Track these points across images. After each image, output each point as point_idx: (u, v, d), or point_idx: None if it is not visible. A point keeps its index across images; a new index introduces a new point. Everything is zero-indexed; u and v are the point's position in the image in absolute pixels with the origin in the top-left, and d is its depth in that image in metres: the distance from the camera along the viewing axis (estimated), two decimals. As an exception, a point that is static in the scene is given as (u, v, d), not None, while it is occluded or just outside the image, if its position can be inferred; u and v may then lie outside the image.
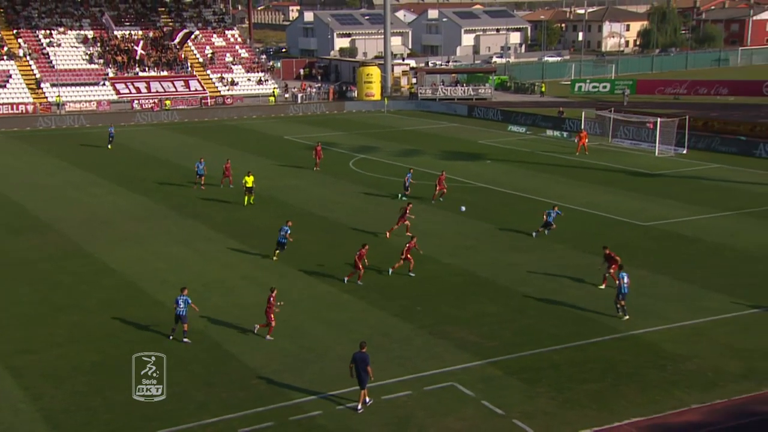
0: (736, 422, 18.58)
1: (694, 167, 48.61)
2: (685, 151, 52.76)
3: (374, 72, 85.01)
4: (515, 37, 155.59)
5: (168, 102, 77.95)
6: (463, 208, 35.79)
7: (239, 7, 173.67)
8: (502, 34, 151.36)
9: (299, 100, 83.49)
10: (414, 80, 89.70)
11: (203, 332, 23.89)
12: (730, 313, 24.95)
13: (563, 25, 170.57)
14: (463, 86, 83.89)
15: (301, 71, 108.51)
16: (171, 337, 23.40)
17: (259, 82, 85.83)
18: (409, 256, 28.56)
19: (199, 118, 74.51)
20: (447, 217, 36.57)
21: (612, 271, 26.54)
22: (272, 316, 23.34)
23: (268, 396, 19.90)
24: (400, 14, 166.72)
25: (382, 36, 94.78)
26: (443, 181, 39.86)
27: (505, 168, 49.10)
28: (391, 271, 28.89)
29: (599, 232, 34.15)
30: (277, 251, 30.87)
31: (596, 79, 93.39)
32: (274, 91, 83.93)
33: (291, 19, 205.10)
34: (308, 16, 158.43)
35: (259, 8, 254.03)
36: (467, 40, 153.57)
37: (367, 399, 19.35)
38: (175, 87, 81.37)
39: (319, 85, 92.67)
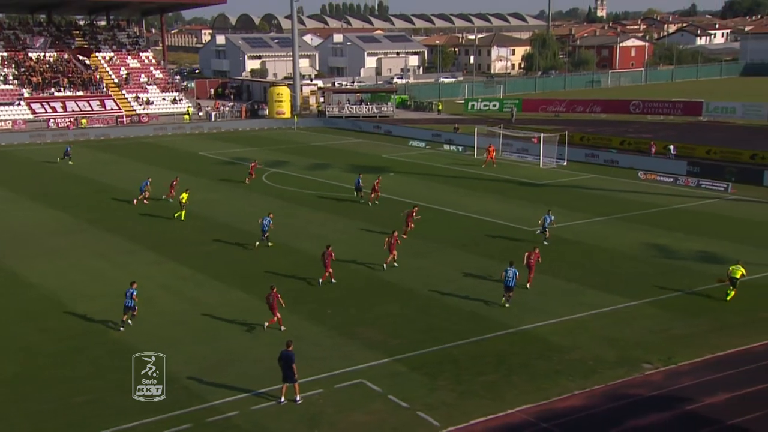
0: (612, 405, 19.27)
1: (573, 177, 50.39)
2: (565, 163, 54.60)
3: (284, 91, 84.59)
4: (413, 60, 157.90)
5: (84, 121, 75.15)
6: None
7: (153, 31, 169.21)
8: (402, 57, 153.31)
9: (213, 118, 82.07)
10: (321, 99, 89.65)
11: (121, 341, 23.08)
12: (606, 307, 25.91)
13: (456, 49, 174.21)
14: (367, 105, 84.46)
15: (211, 91, 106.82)
16: (122, 329, 23.72)
17: (174, 101, 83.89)
18: (394, 250, 29.70)
19: (116, 136, 72.09)
20: (350, 225, 36.65)
21: (532, 268, 27.76)
22: (276, 310, 23.52)
23: (185, 399, 19.39)
24: (308, 38, 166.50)
25: (291, 58, 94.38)
26: (377, 186, 41.71)
27: (406, 180, 49.61)
28: (385, 266, 29.69)
29: (492, 237, 34.96)
30: (264, 240, 32.83)
31: (487, 98, 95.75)
32: (188, 110, 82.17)
33: (204, 42, 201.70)
34: (220, 39, 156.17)
35: (173, 32, 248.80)
36: (370, 62, 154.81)
37: (282, 399, 19.21)
38: (90, 106, 78.56)
39: (232, 104, 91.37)
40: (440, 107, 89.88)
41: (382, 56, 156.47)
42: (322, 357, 21.90)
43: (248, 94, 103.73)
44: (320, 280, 28.02)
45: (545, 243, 32.97)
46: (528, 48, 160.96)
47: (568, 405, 19.22)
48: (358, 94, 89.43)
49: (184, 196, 38.56)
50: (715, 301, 26.50)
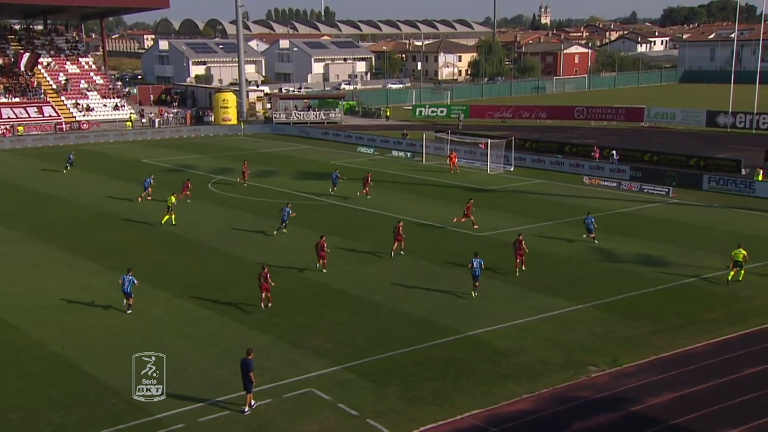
0: (559, 408, 19.56)
1: (520, 183, 51.08)
2: (512, 169, 55.32)
3: (230, 98, 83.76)
4: (361, 66, 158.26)
5: (21, 128, 73.06)
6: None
7: (93, 36, 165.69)
8: (349, 63, 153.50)
9: (156, 125, 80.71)
10: (268, 105, 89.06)
11: (61, 354, 22.45)
12: (552, 311, 26.29)
13: (403, 55, 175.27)
14: (314, 111, 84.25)
15: (151, 97, 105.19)
16: (129, 311, 25.39)
17: (116, 107, 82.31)
18: (400, 238, 32.27)
19: (55, 144, 70.24)
20: (298, 233, 36.41)
21: (518, 259, 30.06)
22: (268, 290, 25.61)
23: (128, 413, 18.93)
24: (253, 44, 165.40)
25: (237, 64, 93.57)
26: (368, 182, 44.61)
27: (354, 186, 49.45)
28: (392, 254, 32.20)
29: (440, 242, 35.18)
30: (282, 228, 35.34)
31: (434, 104, 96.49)
32: (131, 116, 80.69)
33: (146, 47, 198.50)
34: (163, 44, 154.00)
35: (114, 37, 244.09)
36: (317, 68, 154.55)
37: (252, 402, 19.17)
38: (28, 113, 76.49)
39: (176, 110, 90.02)
40: (388, 113, 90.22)
41: (330, 62, 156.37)
42: (270, 366, 21.69)
43: (193, 100, 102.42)
44: (317, 265, 30.25)
45: (595, 242, 34.59)
46: (474, 54, 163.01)
47: (517, 409, 19.43)
48: (305, 101, 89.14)
49: (171, 198, 38.39)
50: (656, 303, 27.18)
